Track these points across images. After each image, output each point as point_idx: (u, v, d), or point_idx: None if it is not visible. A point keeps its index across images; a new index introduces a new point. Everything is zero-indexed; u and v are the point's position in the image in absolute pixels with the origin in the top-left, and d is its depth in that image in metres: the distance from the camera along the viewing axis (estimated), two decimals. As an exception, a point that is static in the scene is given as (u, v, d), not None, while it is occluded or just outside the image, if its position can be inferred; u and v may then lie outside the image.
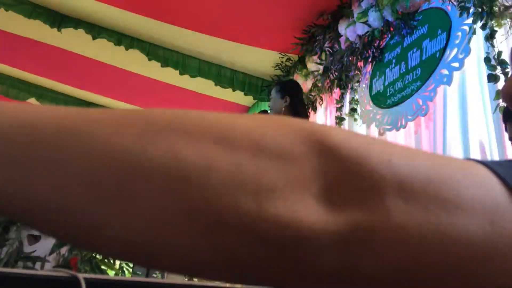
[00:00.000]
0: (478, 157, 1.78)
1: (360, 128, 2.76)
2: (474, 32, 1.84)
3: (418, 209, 0.20)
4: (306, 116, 2.44)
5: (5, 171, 0.19)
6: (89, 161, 0.18)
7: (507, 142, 1.66)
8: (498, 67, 1.68)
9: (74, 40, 3.75)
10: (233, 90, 4.12)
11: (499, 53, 1.69)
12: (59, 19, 3.61)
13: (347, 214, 0.19)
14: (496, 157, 1.71)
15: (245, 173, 0.19)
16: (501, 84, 1.67)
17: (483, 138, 1.80)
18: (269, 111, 2.51)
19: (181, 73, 3.99)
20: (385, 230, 0.19)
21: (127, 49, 3.76)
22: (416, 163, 0.21)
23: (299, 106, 2.39)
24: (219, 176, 0.18)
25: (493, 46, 1.71)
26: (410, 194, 0.20)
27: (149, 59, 3.87)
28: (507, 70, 1.66)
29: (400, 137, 2.34)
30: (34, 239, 1.26)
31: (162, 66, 3.91)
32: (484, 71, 1.76)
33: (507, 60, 1.66)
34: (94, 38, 3.67)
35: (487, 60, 1.72)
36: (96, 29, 3.66)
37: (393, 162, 0.20)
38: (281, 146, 0.20)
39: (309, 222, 0.19)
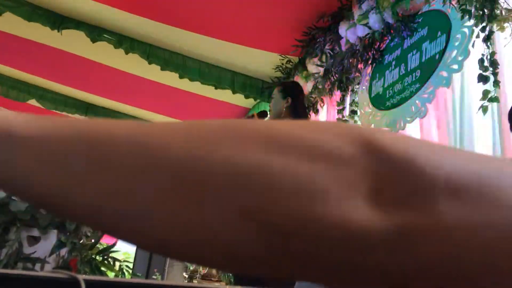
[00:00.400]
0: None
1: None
2: (477, 36, 1.84)
3: (470, 210, 0.19)
4: (306, 118, 2.44)
5: (99, 179, 0.20)
6: (167, 171, 0.20)
7: (508, 144, 1.66)
8: (490, 68, 1.69)
9: (74, 42, 3.76)
10: (233, 93, 4.13)
11: (492, 53, 1.70)
12: (60, 21, 3.61)
13: (397, 215, 0.19)
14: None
15: (301, 176, 0.20)
16: (490, 85, 1.68)
17: (484, 140, 1.80)
18: (268, 112, 2.52)
19: (181, 76, 3.99)
20: (435, 231, 0.19)
21: (126, 53, 3.77)
22: (467, 163, 0.21)
23: (300, 107, 2.40)
24: (276, 180, 0.19)
25: (488, 47, 1.72)
26: (461, 194, 0.20)
27: (149, 63, 3.87)
28: (497, 71, 1.66)
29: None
30: (34, 240, 1.26)
31: (162, 69, 3.91)
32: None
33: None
34: (94, 41, 3.68)
35: (481, 61, 1.73)
36: (96, 32, 3.66)
37: (443, 162, 0.21)
38: (332, 149, 0.21)
39: (359, 222, 0.19)
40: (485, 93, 1.67)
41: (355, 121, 2.79)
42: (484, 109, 1.66)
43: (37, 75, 5.05)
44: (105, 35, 3.67)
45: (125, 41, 3.77)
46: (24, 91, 5.29)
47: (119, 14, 3.49)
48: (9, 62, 4.87)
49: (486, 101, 1.66)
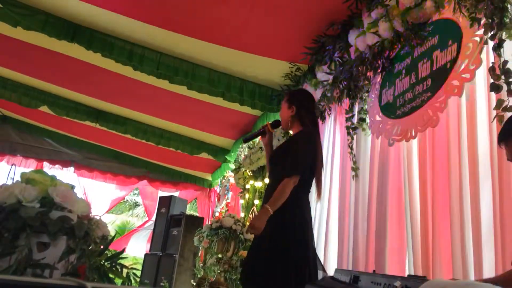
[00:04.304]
0: (484, 169, 1.76)
1: (368, 138, 2.74)
2: (485, 42, 1.83)
3: None
4: (314, 126, 2.41)
5: None
6: None
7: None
8: (503, 77, 1.67)
9: (85, 50, 3.80)
10: (241, 104, 4.14)
11: (504, 62, 1.67)
12: (73, 30, 3.66)
13: None
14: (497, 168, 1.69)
15: None
16: (503, 93, 1.66)
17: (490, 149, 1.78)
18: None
19: (189, 87, 4.02)
20: None
21: (135, 68, 3.84)
22: None
23: (306, 116, 2.36)
24: None
25: (499, 55, 1.70)
26: None
27: (158, 75, 3.91)
28: (510, 80, 1.64)
29: (409, 148, 2.32)
30: (44, 246, 1.26)
31: (170, 81, 3.96)
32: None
33: None
34: (105, 56, 3.75)
35: (492, 69, 1.71)
36: (107, 47, 3.72)
37: None
38: None
39: None
40: (499, 102, 1.64)
41: (364, 129, 2.77)
42: (500, 118, 1.63)
43: (49, 82, 5.12)
44: (115, 51, 3.73)
45: (136, 49, 3.81)
46: (36, 98, 5.37)
47: (131, 23, 3.53)
48: (22, 69, 4.95)
49: (500, 111, 1.63)
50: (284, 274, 2.04)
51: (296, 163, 2.17)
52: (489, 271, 1.62)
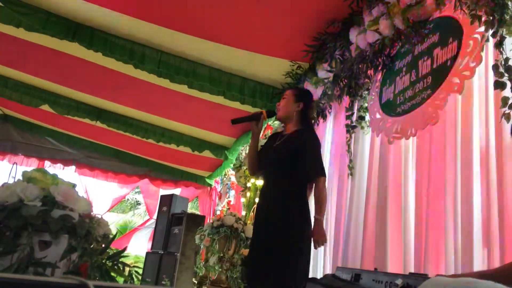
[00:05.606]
0: (481, 166, 1.75)
1: (366, 136, 2.74)
2: (487, 40, 1.82)
3: None
4: (312, 127, 2.51)
5: None
6: None
7: (506, 151, 1.64)
8: (506, 74, 1.66)
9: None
10: (242, 103, 4.14)
11: (506, 59, 1.67)
12: (74, 28, 3.66)
13: None
14: (495, 166, 1.69)
15: None
16: (508, 91, 1.65)
17: (485, 146, 1.78)
18: (276, 111, 2.50)
19: (190, 85, 4.02)
20: None
21: (136, 67, 3.84)
22: None
23: (309, 116, 2.48)
24: None
25: (501, 53, 1.69)
26: None
27: (159, 74, 3.91)
28: None
29: (407, 145, 2.32)
30: (45, 245, 1.27)
31: (171, 80, 3.96)
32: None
33: None
34: (105, 55, 3.75)
35: (495, 67, 1.70)
36: (108, 46, 3.71)
37: None
38: None
39: None
40: (504, 100, 1.63)
41: (362, 127, 2.77)
42: (507, 116, 1.61)
43: (50, 80, 5.12)
44: (116, 50, 3.73)
45: (137, 48, 3.81)
46: (37, 97, 5.36)
47: (131, 22, 3.53)
48: (23, 68, 4.95)
49: (507, 108, 1.61)
50: (297, 274, 2.09)
51: (320, 165, 2.30)
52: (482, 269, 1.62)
